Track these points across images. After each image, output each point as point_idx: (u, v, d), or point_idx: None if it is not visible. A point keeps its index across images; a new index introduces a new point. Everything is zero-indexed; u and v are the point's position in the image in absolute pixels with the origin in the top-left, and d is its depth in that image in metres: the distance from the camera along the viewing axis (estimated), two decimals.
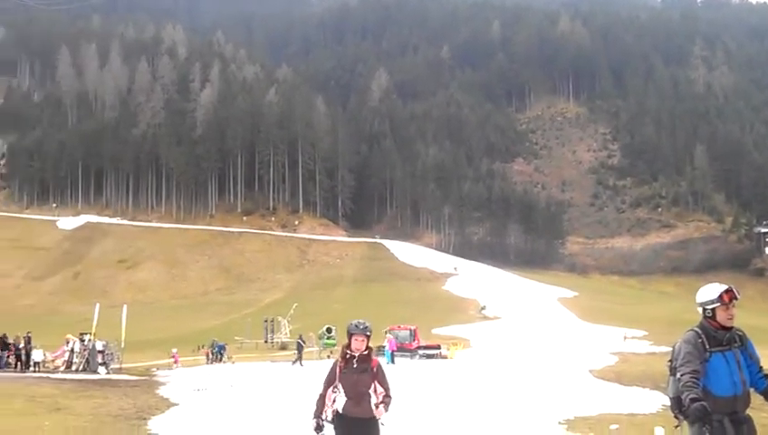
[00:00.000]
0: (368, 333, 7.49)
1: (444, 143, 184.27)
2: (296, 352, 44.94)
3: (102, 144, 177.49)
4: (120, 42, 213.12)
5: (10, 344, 35.94)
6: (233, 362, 48.46)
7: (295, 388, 25.86)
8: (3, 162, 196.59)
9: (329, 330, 63.12)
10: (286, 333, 76.38)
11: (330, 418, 7.45)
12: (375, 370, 7.48)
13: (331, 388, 7.49)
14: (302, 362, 42.82)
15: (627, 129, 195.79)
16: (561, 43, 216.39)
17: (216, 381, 28.58)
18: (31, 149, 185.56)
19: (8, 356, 35.65)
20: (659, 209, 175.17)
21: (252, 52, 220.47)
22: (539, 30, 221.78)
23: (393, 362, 43.08)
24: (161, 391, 24.45)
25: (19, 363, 35.25)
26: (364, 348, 7.45)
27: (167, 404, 20.56)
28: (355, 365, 7.42)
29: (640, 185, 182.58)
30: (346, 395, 7.37)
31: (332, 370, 7.56)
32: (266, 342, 74.09)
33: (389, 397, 7.46)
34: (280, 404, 20.07)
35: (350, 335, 7.48)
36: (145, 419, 17.22)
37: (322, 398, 7.52)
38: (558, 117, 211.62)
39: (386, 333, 48.10)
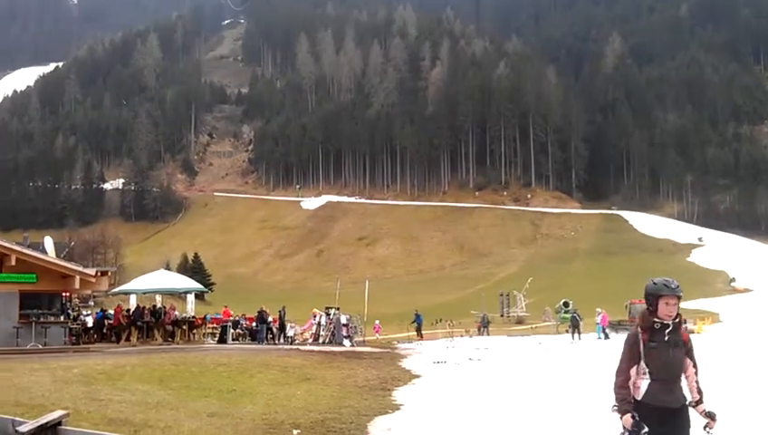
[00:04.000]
0: (680, 295, 5.75)
1: (684, 108, 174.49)
2: (571, 326, 44.26)
3: (340, 126, 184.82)
4: (353, 26, 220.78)
5: (268, 319, 38.39)
6: (470, 336, 48.79)
7: (534, 363, 25.50)
8: (251, 148, 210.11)
9: (566, 304, 62.03)
10: (522, 308, 75.97)
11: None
12: (689, 344, 5.85)
13: (633, 368, 5.77)
14: (581, 336, 42.22)
15: None
16: None
17: (455, 355, 28.81)
18: (275, 134, 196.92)
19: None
20: None
21: (481, 26, 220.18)
22: None
23: (607, 337, 41.98)
24: (403, 364, 24.95)
25: (271, 336, 37.46)
26: (675, 315, 5.74)
27: (409, 376, 20.91)
28: (666, 338, 5.70)
29: None
30: (652, 377, 5.67)
31: (632, 344, 5.82)
32: (502, 316, 74.05)
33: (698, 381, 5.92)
34: (519, 378, 19.82)
35: (655, 298, 5.73)
36: (389, 389, 17.58)
37: (626, 381, 5.76)
38: None
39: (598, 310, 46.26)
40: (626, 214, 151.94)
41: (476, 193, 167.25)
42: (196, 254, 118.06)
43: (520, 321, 70.01)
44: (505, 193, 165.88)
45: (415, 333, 50.84)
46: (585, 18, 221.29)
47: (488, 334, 51.19)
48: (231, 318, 40.03)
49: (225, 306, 42.28)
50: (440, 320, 60.18)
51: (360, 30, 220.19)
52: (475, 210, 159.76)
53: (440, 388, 18.14)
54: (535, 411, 13.67)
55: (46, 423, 4.39)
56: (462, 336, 49.11)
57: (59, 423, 4.48)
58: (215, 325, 40.24)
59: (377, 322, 50.33)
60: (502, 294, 79.64)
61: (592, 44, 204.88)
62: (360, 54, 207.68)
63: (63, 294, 32.04)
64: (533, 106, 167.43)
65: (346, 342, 34.61)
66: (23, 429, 4.50)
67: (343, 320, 36.34)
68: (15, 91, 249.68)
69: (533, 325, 61.70)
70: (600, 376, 19.35)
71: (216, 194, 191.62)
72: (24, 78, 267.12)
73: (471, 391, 17.16)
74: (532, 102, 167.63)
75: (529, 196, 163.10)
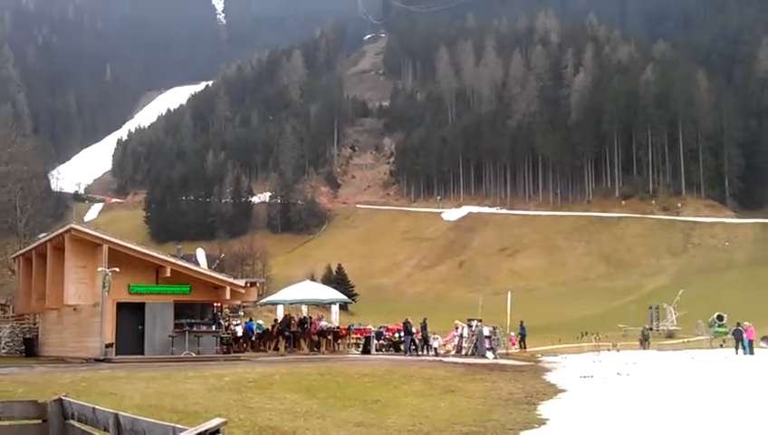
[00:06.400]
0: None
1: None
2: (735, 341, 42.52)
3: (480, 137, 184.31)
4: (494, 36, 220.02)
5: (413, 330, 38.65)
6: (618, 350, 47.37)
7: (686, 379, 24.50)
8: (392, 160, 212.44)
9: (719, 317, 59.51)
10: (672, 321, 73.39)
11: None
12: None
13: None
14: (744, 351, 40.46)
15: None
16: None
17: (602, 369, 28.07)
18: (416, 147, 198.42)
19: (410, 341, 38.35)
20: None
21: (626, 31, 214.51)
22: None
23: (752, 352, 40.02)
24: (548, 377, 24.53)
25: (414, 347, 37.67)
26: None
27: (554, 390, 20.52)
28: None
29: None
30: None
31: None
32: (651, 329, 71.57)
33: None
34: (671, 395, 19.07)
35: None
36: (534, 403, 17.31)
37: None
38: None
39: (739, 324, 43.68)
40: None
41: (622, 202, 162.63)
42: (339, 265, 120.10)
43: (670, 335, 67.63)
44: (653, 202, 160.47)
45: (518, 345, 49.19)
46: (737, 21, 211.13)
47: (647, 348, 49.76)
48: (374, 332, 40.51)
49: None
50: (586, 333, 58.69)
51: (500, 39, 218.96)
52: (622, 220, 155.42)
53: (587, 403, 17.70)
54: (689, 430, 13.12)
55: (205, 431, 4.51)
56: (609, 350, 47.67)
57: (217, 431, 4.61)
58: (358, 336, 40.84)
59: (512, 334, 49.59)
60: (651, 307, 77.21)
61: (745, 47, 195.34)
62: (500, 64, 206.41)
63: (215, 304, 33.33)
64: (683, 112, 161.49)
65: (489, 354, 34.33)
66: None
67: (486, 332, 36.09)
68: (169, 110, 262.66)
69: (685, 339, 59.38)
70: (756, 397, 18.37)
71: (358, 206, 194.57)
72: (178, 97, 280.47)
73: (620, 408, 16.65)
74: (681, 108, 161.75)
75: (679, 204, 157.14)
